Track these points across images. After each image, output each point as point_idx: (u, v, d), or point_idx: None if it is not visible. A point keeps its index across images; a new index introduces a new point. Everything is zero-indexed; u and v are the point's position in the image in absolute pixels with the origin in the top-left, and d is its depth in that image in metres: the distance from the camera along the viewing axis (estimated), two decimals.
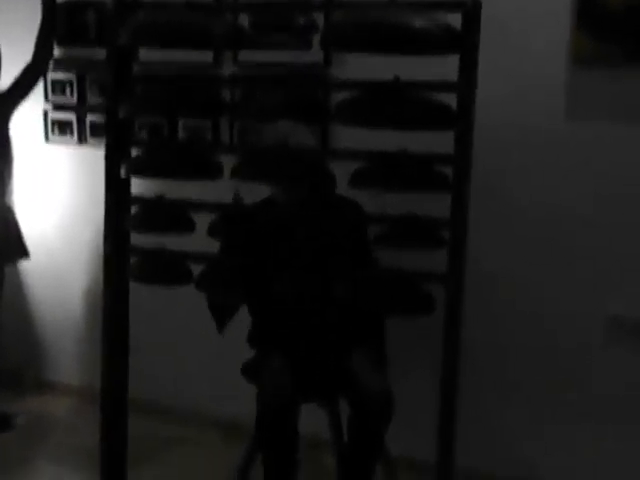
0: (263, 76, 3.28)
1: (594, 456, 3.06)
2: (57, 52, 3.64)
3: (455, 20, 2.28)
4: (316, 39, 3.19)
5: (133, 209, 2.71)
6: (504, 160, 3.00)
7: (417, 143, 2.36)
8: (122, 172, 2.66)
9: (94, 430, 2.78)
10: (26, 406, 3.84)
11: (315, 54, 3.23)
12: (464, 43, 2.28)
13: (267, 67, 3.31)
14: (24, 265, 3.86)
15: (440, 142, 2.32)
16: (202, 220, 2.68)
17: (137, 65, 3.41)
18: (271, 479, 2.83)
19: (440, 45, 2.30)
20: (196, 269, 2.68)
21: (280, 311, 2.91)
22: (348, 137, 2.67)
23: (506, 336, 3.15)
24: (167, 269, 2.68)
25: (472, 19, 2.28)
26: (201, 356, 3.52)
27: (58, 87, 3.79)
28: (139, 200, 2.72)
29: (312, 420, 2.93)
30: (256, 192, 2.78)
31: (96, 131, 3.68)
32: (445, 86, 2.34)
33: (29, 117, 3.79)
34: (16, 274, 3.93)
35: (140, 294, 2.75)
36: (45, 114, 3.84)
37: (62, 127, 3.82)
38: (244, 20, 3.27)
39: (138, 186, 2.73)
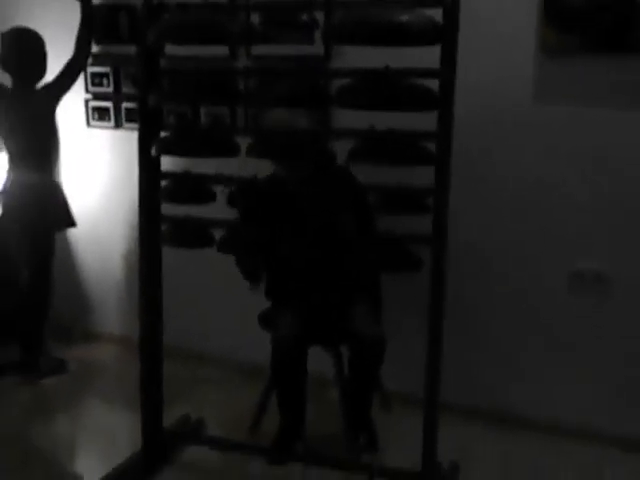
0: (273, 68, 3.25)
1: (557, 386, 3.08)
2: (95, 49, 3.60)
3: (437, 15, 2.27)
4: (318, 34, 3.16)
5: (163, 183, 2.71)
6: (480, 138, 2.97)
7: (406, 122, 2.36)
8: (153, 152, 2.64)
9: (134, 373, 2.80)
10: (76, 353, 3.85)
11: (317, 47, 3.19)
12: (445, 35, 2.26)
13: (276, 60, 3.27)
14: (71, 233, 3.85)
15: (425, 121, 2.32)
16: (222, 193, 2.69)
17: (164, 59, 3.42)
18: (284, 411, 2.86)
19: (424, 37, 2.28)
20: (217, 234, 2.70)
21: (290, 270, 2.92)
22: (347, 118, 2.65)
23: (484, 289, 3.14)
24: (193, 234, 2.70)
25: (451, 14, 2.26)
26: (225, 308, 3.52)
27: (97, 79, 3.76)
28: (168, 175, 2.71)
29: (318, 361, 2.95)
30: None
31: (130, 117, 3.66)
32: (429, 73, 2.31)
33: (73, 105, 3.76)
34: (65, 241, 3.93)
35: (172, 256, 2.75)
36: (86, 103, 3.82)
37: (101, 114, 3.80)
38: (255, 19, 3.24)
39: (167, 163, 2.72)
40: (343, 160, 2.52)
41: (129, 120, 3.68)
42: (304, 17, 3.20)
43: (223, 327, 3.61)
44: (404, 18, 2.28)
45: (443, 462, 2.68)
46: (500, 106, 2.98)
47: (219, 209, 2.66)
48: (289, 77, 2.85)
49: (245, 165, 2.57)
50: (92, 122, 3.84)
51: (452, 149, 2.32)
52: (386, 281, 2.96)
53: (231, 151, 2.61)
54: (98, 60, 3.71)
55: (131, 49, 2.81)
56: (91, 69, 3.73)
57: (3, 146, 3.53)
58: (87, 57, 3.49)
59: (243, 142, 2.61)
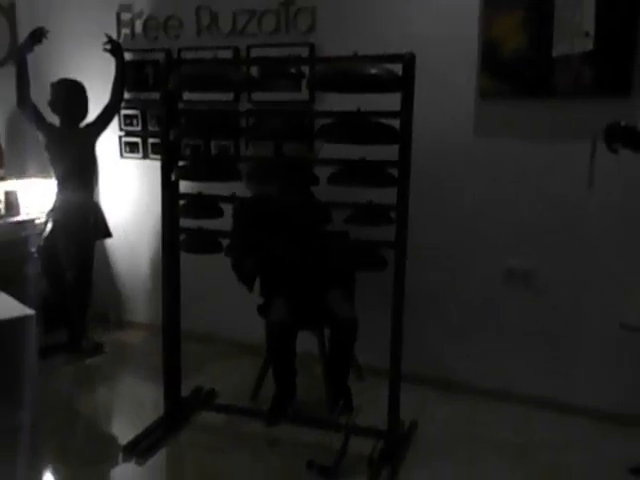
0: (268, 109, 3.24)
1: (492, 357, 3.06)
2: (127, 95, 3.56)
3: (398, 68, 2.26)
4: (304, 84, 3.14)
5: (181, 202, 2.67)
6: (432, 164, 2.95)
7: (374, 153, 2.34)
8: (172, 177, 2.63)
9: (158, 353, 2.78)
10: (112, 338, 3.80)
11: (303, 94, 3.17)
12: (404, 84, 2.26)
13: (271, 103, 3.25)
14: (108, 242, 3.79)
15: (389, 152, 2.31)
16: (228, 208, 2.65)
17: (182, 103, 3.38)
18: (278, 382, 2.82)
19: (388, 86, 2.30)
20: (224, 242, 2.68)
21: (279, 268, 2.88)
22: (327, 150, 2.62)
23: (436, 282, 3.12)
24: (205, 242, 2.67)
25: (409, 68, 2.27)
26: (230, 300, 3.48)
27: (128, 120, 3.71)
28: (185, 196, 2.68)
29: (306, 342, 2.92)
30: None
31: (155, 149, 3.60)
32: (392, 114, 2.30)
33: (109, 141, 3.71)
34: (103, 248, 3.88)
35: (189, 259, 2.71)
36: (120, 138, 3.76)
37: (132, 147, 3.75)
38: (254, 71, 3.22)
39: (184, 186, 2.69)
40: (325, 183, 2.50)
41: (154, 152, 3.64)
42: (293, 70, 3.18)
43: (230, 314, 3.57)
44: (372, 71, 2.28)
45: (404, 420, 2.67)
46: (448, 139, 2.98)
47: (226, 222, 2.62)
48: (281, 117, 2.83)
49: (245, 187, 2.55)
50: (124, 154, 3.79)
51: (410, 174, 2.32)
52: (360, 276, 2.95)
53: (234, 176, 2.58)
54: (129, 104, 3.66)
55: (155, 95, 2.78)
56: (124, 112, 3.68)
57: (53, 173, 3.47)
58: (121, 102, 3.46)
59: (243, 169, 2.58)
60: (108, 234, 3.59)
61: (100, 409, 3.03)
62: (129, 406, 3.06)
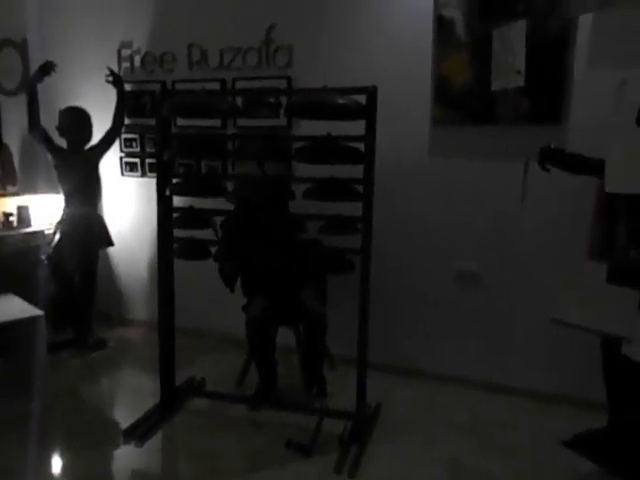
0: (251, 134, 3.23)
1: (447, 347, 3.08)
2: (127, 121, 3.53)
3: (362, 99, 2.28)
4: (282, 112, 3.14)
5: (174, 215, 2.66)
6: (393, 181, 2.99)
7: (342, 172, 2.36)
8: (167, 193, 2.61)
9: (155, 347, 2.76)
10: (114, 334, 3.75)
11: (282, 121, 3.19)
12: (368, 112, 2.28)
13: (253, 128, 3.26)
14: (111, 250, 3.75)
15: (355, 171, 2.33)
16: (216, 220, 2.64)
17: (176, 128, 3.38)
18: (260, 372, 2.81)
19: (354, 114, 2.31)
20: (213, 249, 2.67)
21: (259, 272, 2.87)
22: (303, 170, 2.64)
23: (395, 282, 3.14)
24: (195, 250, 2.65)
25: (372, 98, 2.29)
26: (219, 300, 3.43)
27: (128, 142, 3.68)
28: (178, 209, 2.67)
29: (285, 336, 2.92)
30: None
31: (151, 168, 3.58)
32: (357, 138, 2.33)
33: (111, 161, 3.68)
34: (106, 255, 3.83)
35: (183, 263, 2.69)
36: (121, 159, 3.73)
37: (131, 166, 3.72)
38: (239, 101, 3.22)
39: (177, 201, 2.68)
40: (300, 197, 2.51)
41: (151, 171, 3.61)
42: (272, 100, 3.19)
43: (218, 312, 3.54)
44: (341, 101, 2.30)
45: (371, 403, 2.68)
46: (406, 159, 3.01)
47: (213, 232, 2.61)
48: (262, 140, 2.83)
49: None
50: (125, 172, 3.75)
51: (374, 190, 2.34)
52: (332, 279, 2.94)
53: (222, 192, 2.58)
54: (129, 129, 3.63)
55: (152, 121, 2.77)
56: (124, 135, 3.65)
57: (61, 189, 3.43)
58: (121, 127, 3.43)
59: (230, 186, 2.58)
60: (110, 243, 3.55)
61: (103, 397, 2.98)
62: (129, 395, 3.01)
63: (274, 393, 2.82)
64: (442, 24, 2.80)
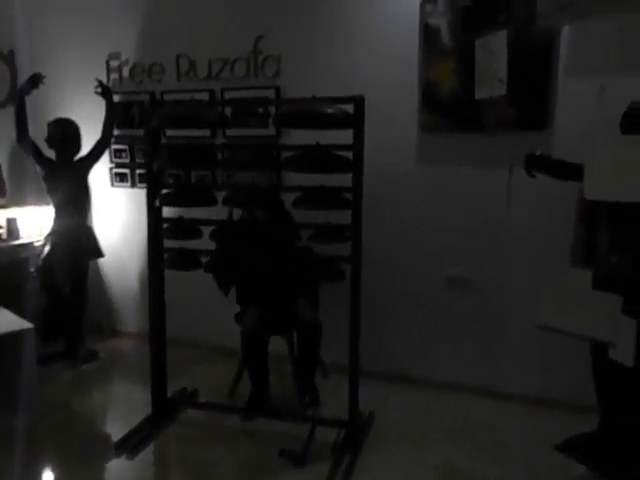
0: (241, 144, 3.24)
1: (438, 354, 3.09)
2: (116, 132, 3.53)
3: (350, 108, 2.29)
4: (271, 121, 3.16)
5: (164, 225, 2.66)
6: (382, 188, 2.99)
7: (331, 180, 2.37)
8: (156, 203, 2.60)
9: (147, 358, 2.73)
10: (106, 345, 3.72)
11: (271, 130, 3.19)
12: (355, 121, 2.29)
13: (243, 138, 3.26)
14: (101, 261, 3.72)
15: (344, 179, 2.33)
16: (206, 230, 2.64)
17: (165, 138, 3.38)
18: (253, 381, 2.80)
19: (342, 123, 2.31)
20: (204, 260, 2.65)
21: (253, 280, 2.87)
22: (292, 178, 2.65)
23: (387, 289, 3.14)
24: (186, 261, 2.64)
25: (359, 107, 2.29)
26: (211, 310, 3.45)
27: (118, 153, 3.67)
28: (168, 220, 2.66)
29: (278, 345, 2.91)
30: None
31: (141, 179, 3.57)
32: (346, 147, 2.33)
33: (101, 172, 3.68)
34: (97, 266, 3.81)
35: (174, 273, 2.67)
36: (110, 170, 3.72)
37: (121, 177, 3.71)
38: (228, 111, 3.22)
39: (167, 211, 2.67)
40: (289, 206, 2.51)
41: (141, 181, 3.60)
42: (260, 110, 3.20)
43: (210, 322, 3.52)
44: (329, 110, 2.30)
45: (364, 411, 2.67)
46: (395, 166, 3.02)
47: (204, 243, 2.61)
48: (252, 150, 2.84)
49: (221, 211, 2.55)
50: (115, 183, 3.74)
51: (362, 197, 2.34)
52: (325, 287, 2.95)
53: (211, 201, 2.58)
54: (118, 140, 3.63)
55: (141, 132, 2.76)
56: (114, 146, 3.65)
57: (50, 201, 3.41)
58: (110, 138, 3.42)
59: (220, 195, 2.58)
60: (100, 254, 3.53)
61: (94, 410, 2.95)
62: (121, 407, 2.99)
63: (267, 402, 2.80)
64: (428, 32, 2.82)
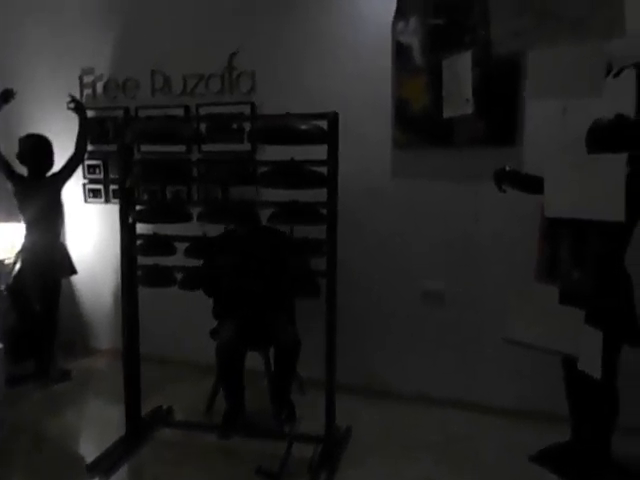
0: (216, 159, 3.23)
1: (414, 368, 3.10)
2: (90, 147, 3.49)
3: (324, 124, 2.32)
4: (245, 137, 3.17)
5: (138, 241, 2.63)
6: (357, 203, 3.02)
7: (307, 196, 2.38)
8: (130, 220, 2.58)
9: (120, 376, 2.69)
10: (78, 364, 3.64)
11: (246, 146, 3.20)
12: (329, 137, 2.31)
13: (218, 154, 3.25)
14: (74, 278, 3.66)
15: (319, 195, 2.35)
16: (180, 247, 2.62)
17: (139, 153, 3.36)
18: (228, 399, 2.77)
19: (316, 139, 2.33)
20: (178, 276, 2.64)
21: (230, 296, 2.86)
22: (267, 194, 2.66)
23: (363, 303, 3.15)
24: (160, 277, 2.62)
25: (333, 124, 2.32)
26: (185, 327, 3.43)
27: (91, 169, 3.64)
28: (141, 236, 2.64)
29: (254, 361, 2.89)
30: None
31: (115, 195, 3.54)
32: (320, 162, 2.35)
33: (74, 188, 3.63)
34: (69, 284, 3.74)
35: (148, 291, 2.66)
36: (84, 185, 3.68)
37: (95, 193, 3.67)
38: (203, 126, 3.22)
39: (141, 227, 2.65)
40: (265, 221, 2.51)
41: (115, 197, 3.57)
42: (234, 126, 3.20)
43: (185, 339, 3.49)
44: (303, 126, 2.33)
45: (341, 426, 2.67)
46: (369, 181, 3.05)
47: (179, 259, 2.59)
48: (227, 165, 2.84)
49: (195, 227, 2.54)
50: (88, 199, 3.70)
51: (337, 212, 2.35)
52: (299, 301, 2.95)
53: (185, 218, 2.57)
54: (92, 155, 3.59)
55: (115, 147, 2.74)
56: (87, 162, 3.61)
57: (21, 218, 3.35)
58: (83, 154, 3.38)
59: (195, 211, 2.57)
60: (73, 271, 3.47)
61: (66, 431, 2.87)
62: (93, 427, 2.92)
63: (243, 419, 2.77)
64: (400, 50, 2.88)
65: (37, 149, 3.32)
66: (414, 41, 2.84)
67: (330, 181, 2.33)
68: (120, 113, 3.48)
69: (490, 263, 2.89)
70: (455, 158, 2.85)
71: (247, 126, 3.16)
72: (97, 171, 3.63)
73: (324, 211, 2.36)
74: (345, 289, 2.54)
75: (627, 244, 2.08)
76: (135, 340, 2.70)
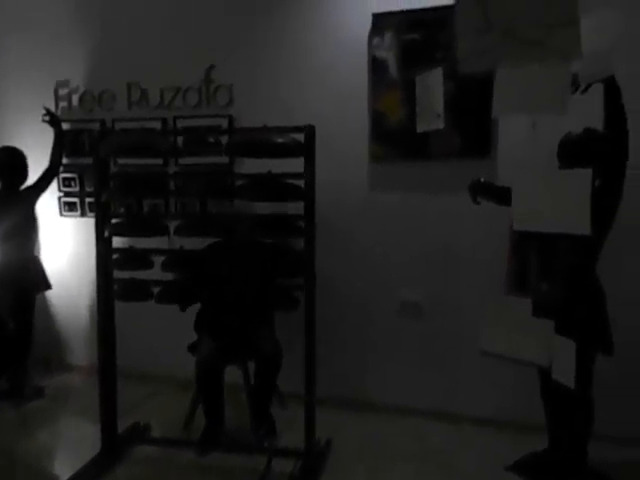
0: (193, 172, 3.23)
1: (393, 379, 3.11)
2: (65, 160, 3.45)
3: (301, 137, 2.34)
4: (223, 150, 3.15)
5: (115, 255, 2.61)
6: (335, 216, 3.04)
7: (284, 208, 2.39)
8: (106, 233, 2.56)
9: (96, 393, 2.65)
10: (53, 381, 3.57)
11: (224, 159, 3.18)
12: (306, 151, 2.33)
13: (195, 167, 3.24)
14: (48, 292, 3.59)
15: (296, 207, 2.36)
16: (157, 260, 2.60)
17: (115, 166, 3.33)
18: (207, 414, 2.73)
19: (293, 152, 2.36)
20: (155, 290, 2.62)
21: (214, 309, 2.84)
22: (245, 206, 2.66)
23: (342, 313, 3.15)
24: (137, 292, 2.60)
25: (310, 137, 2.34)
26: (164, 341, 3.39)
27: (67, 182, 3.60)
28: (118, 250, 2.62)
29: (233, 375, 2.87)
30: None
31: (92, 208, 3.49)
32: (297, 175, 2.37)
33: (49, 201, 3.58)
34: (44, 299, 3.68)
35: (125, 305, 2.63)
36: (59, 199, 3.63)
37: (70, 206, 3.62)
38: (180, 140, 3.22)
39: (117, 241, 2.63)
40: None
41: (91, 210, 3.53)
42: (211, 139, 3.20)
43: (163, 353, 3.44)
44: (280, 139, 2.35)
45: (321, 439, 2.66)
46: (347, 194, 3.07)
47: (155, 273, 2.57)
48: (204, 178, 2.84)
49: (173, 241, 2.53)
50: (64, 212, 3.65)
51: (315, 225, 2.36)
52: (278, 315, 2.94)
53: (163, 231, 2.56)
54: (67, 168, 3.56)
55: (90, 160, 2.72)
56: (63, 175, 3.57)
57: None
58: (58, 167, 3.34)
59: (172, 224, 2.56)
60: (48, 286, 3.41)
61: (40, 451, 2.80)
62: (69, 446, 2.87)
63: (222, 435, 2.74)
64: (376, 65, 2.92)
65: (11, 162, 3.27)
66: (390, 56, 2.89)
67: (307, 194, 2.35)
68: (96, 126, 3.46)
69: (469, 274, 2.92)
70: (431, 170, 2.89)
71: (225, 139, 3.16)
72: (73, 184, 3.60)
73: (302, 224, 2.38)
74: (324, 301, 2.55)
75: (597, 255, 2.13)
76: (112, 355, 2.67)
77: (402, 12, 2.84)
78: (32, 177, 3.33)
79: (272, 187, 2.43)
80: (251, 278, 2.75)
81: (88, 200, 3.55)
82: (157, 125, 3.31)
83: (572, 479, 2.25)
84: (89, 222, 3.44)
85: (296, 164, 2.34)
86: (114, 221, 2.61)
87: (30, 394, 3.33)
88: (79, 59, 3.51)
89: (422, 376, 3.06)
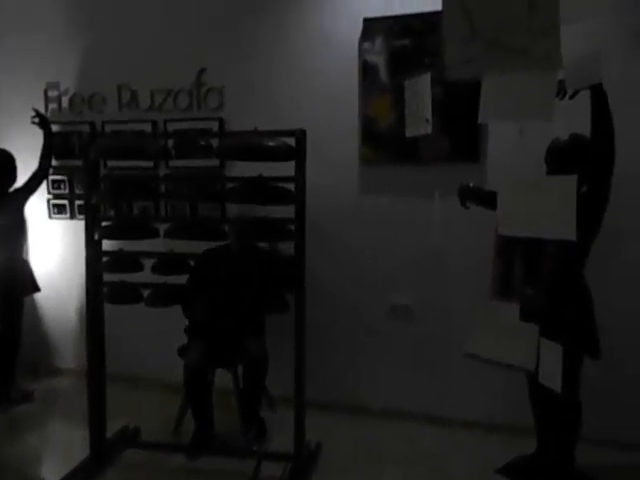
0: (184, 175, 3.22)
1: (384, 383, 3.12)
2: (54, 162, 3.44)
3: (291, 141, 2.35)
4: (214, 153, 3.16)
5: (104, 258, 2.60)
6: (325, 219, 3.05)
7: (275, 212, 2.40)
8: (96, 236, 2.56)
9: (85, 397, 2.63)
10: (42, 385, 3.55)
11: (214, 162, 3.18)
12: (297, 154, 2.34)
13: (186, 169, 3.24)
14: (37, 295, 3.57)
15: (287, 211, 2.37)
16: (147, 263, 2.60)
17: (106, 169, 3.33)
18: (197, 418, 2.74)
19: (284, 155, 2.36)
20: (145, 293, 2.62)
21: (204, 313, 2.83)
22: (234, 210, 2.66)
23: (333, 317, 3.16)
24: (126, 295, 2.59)
25: (301, 141, 2.35)
26: (153, 345, 3.38)
27: (56, 184, 3.59)
28: (107, 253, 2.61)
29: (222, 379, 2.87)
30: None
31: (81, 211, 3.48)
32: (288, 179, 2.37)
33: (38, 203, 3.57)
34: (32, 302, 3.66)
35: (114, 308, 2.62)
36: (48, 201, 3.62)
37: (59, 209, 3.61)
38: (170, 143, 3.20)
39: (107, 244, 2.62)
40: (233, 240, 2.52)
41: (80, 213, 3.51)
42: (202, 142, 3.19)
43: (153, 356, 3.43)
44: (271, 143, 2.35)
45: (311, 442, 2.66)
46: (338, 198, 3.09)
47: (145, 276, 2.57)
48: (195, 181, 2.84)
49: (163, 244, 2.53)
50: (53, 215, 3.64)
51: (305, 228, 2.37)
52: (268, 318, 2.94)
53: (152, 234, 2.55)
54: (57, 170, 3.55)
55: (80, 162, 2.71)
56: (52, 177, 3.56)
57: None
58: (47, 170, 3.33)
59: (162, 227, 2.56)
60: (36, 289, 3.39)
61: (28, 456, 2.78)
62: (57, 450, 2.85)
63: (212, 439, 2.74)
64: (366, 69, 2.94)
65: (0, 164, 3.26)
66: (380, 61, 2.91)
67: (298, 197, 2.36)
68: (86, 128, 3.45)
69: (459, 278, 2.94)
70: (421, 175, 2.91)
71: (215, 142, 3.15)
72: (62, 186, 3.58)
73: (292, 227, 2.39)
74: (315, 304, 2.55)
75: (585, 260, 2.15)
76: (101, 359, 2.65)
77: (392, 17, 2.86)
78: (21, 179, 3.32)
79: (263, 190, 2.43)
80: (247, 282, 2.75)
81: (78, 203, 3.54)
82: (147, 128, 3.30)
83: None
84: (78, 225, 3.42)
85: (287, 168, 2.35)
86: (104, 224, 2.60)
87: (17, 398, 3.31)
88: (69, 61, 3.50)
89: (413, 380, 3.08)
